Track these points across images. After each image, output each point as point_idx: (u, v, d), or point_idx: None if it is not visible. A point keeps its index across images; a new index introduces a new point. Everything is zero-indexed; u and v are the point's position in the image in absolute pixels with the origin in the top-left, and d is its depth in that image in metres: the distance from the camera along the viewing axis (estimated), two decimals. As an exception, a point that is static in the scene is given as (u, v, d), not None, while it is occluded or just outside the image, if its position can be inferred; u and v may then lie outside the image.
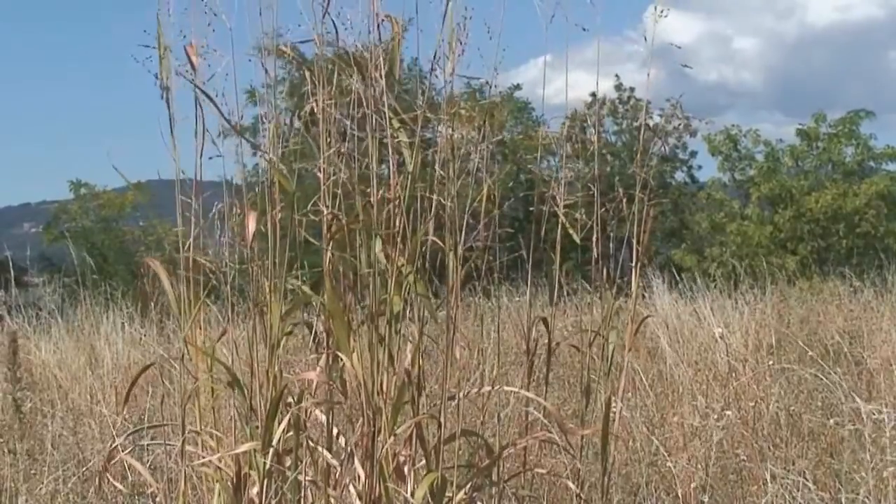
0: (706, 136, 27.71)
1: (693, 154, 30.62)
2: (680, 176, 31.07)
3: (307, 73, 3.73)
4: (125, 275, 22.62)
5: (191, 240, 3.70)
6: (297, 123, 3.82)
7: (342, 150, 3.65)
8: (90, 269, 9.31)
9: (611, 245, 4.19)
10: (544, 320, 4.17)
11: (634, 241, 4.15)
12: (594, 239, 4.10)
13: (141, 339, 8.77)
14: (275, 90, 3.85)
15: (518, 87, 30.01)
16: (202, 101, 3.60)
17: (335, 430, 3.77)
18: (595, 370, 4.27)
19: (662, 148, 26.81)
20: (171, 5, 3.62)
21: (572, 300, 9.40)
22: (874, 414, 4.92)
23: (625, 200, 4.11)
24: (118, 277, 21.59)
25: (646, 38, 4.11)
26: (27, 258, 12.50)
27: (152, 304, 8.68)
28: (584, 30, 3.99)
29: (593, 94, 21.95)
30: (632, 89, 29.76)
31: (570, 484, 4.15)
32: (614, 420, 4.20)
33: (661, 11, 4.08)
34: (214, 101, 3.57)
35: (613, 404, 4.19)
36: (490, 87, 3.88)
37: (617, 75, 29.05)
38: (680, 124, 28.47)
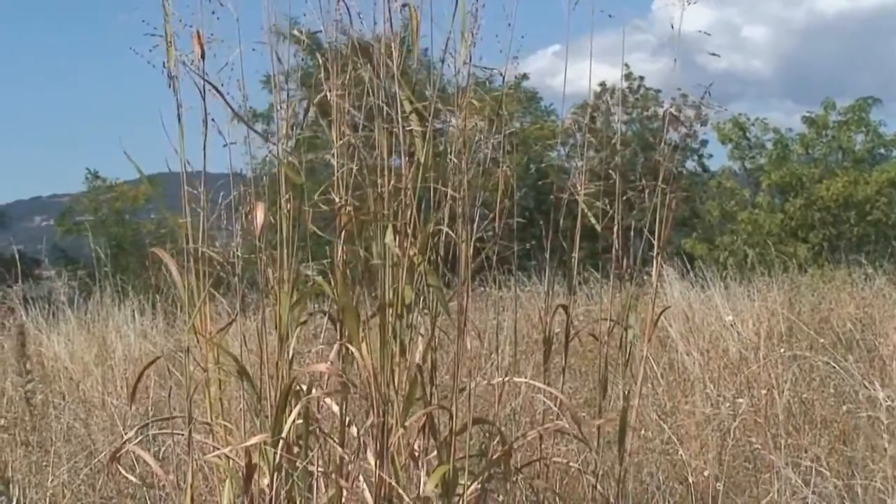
0: (715, 124, 27.66)
1: (704, 143, 30.60)
2: (690, 165, 31.04)
3: (320, 62, 3.72)
4: (137, 268, 22.67)
5: (203, 231, 3.69)
6: (310, 113, 3.81)
7: (354, 141, 3.64)
8: (102, 261, 9.31)
9: (632, 234, 4.16)
10: (565, 308, 4.15)
11: (657, 231, 4.12)
12: (614, 229, 4.08)
13: (152, 329, 8.78)
14: (287, 78, 3.84)
15: (525, 76, 29.97)
16: (208, 90, 3.58)
17: (347, 420, 3.76)
18: (610, 360, 4.25)
19: (683, 137, 26.76)
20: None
21: (583, 289, 9.38)
22: (888, 400, 4.90)
23: (648, 191, 4.09)
24: (130, 270, 21.64)
25: (672, 26, 4.07)
26: (42, 251, 12.51)
27: (159, 295, 8.68)
28: (609, 16, 3.96)
29: (602, 84, 21.95)
30: (641, 78, 29.72)
31: (588, 476, 4.13)
32: (632, 411, 4.19)
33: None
34: (220, 90, 3.56)
35: (631, 395, 4.17)
36: (504, 77, 3.86)
37: (626, 64, 28.98)
38: (695, 113, 28.37)
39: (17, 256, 9.15)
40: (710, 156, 31.14)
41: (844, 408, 5.51)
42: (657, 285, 4.22)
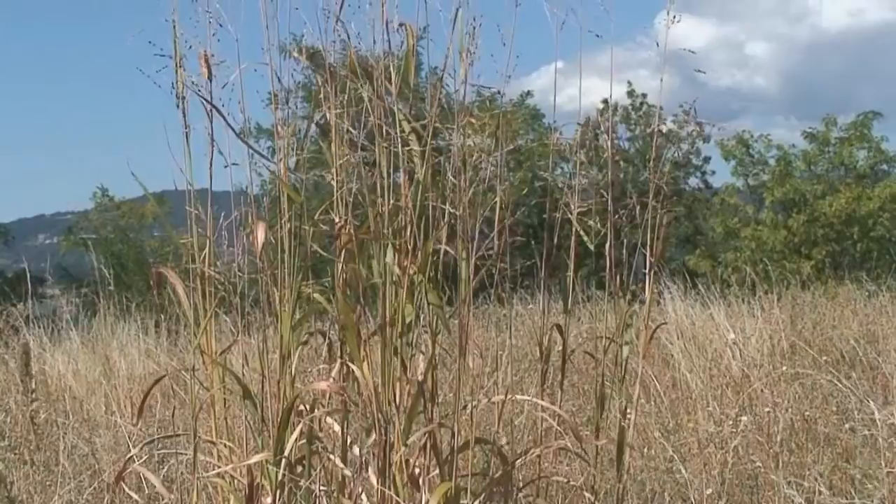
0: (719, 140, 27.69)
1: (707, 160, 30.61)
2: (694, 182, 31.04)
3: (320, 80, 3.74)
4: (141, 286, 22.67)
5: (202, 250, 3.71)
6: (312, 130, 3.84)
7: (354, 160, 3.66)
8: (106, 280, 9.33)
9: (624, 251, 4.18)
10: (559, 327, 4.16)
11: (648, 248, 4.14)
12: (608, 246, 4.10)
13: (156, 348, 8.80)
14: (288, 96, 3.86)
15: (529, 94, 29.99)
16: (214, 110, 3.61)
17: (349, 440, 3.77)
18: (609, 377, 4.26)
19: (676, 154, 26.77)
20: (173, 14, 3.63)
21: (586, 307, 9.39)
22: (889, 419, 4.90)
23: (638, 207, 4.11)
24: (134, 288, 21.63)
25: (658, 44, 4.09)
26: (48, 269, 12.51)
27: (163, 315, 8.70)
28: (597, 36, 3.98)
29: (605, 101, 21.99)
30: (644, 95, 29.75)
31: (588, 494, 4.14)
32: (629, 428, 4.20)
33: (675, 17, 4.06)
34: (222, 112, 3.58)
35: (628, 412, 4.18)
36: (501, 96, 3.87)
37: (629, 82, 29.04)
38: (693, 130, 28.44)
39: (27, 275, 9.18)
40: (713, 172, 31.13)
41: (847, 426, 5.50)
42: (651, 302, 4.22)
